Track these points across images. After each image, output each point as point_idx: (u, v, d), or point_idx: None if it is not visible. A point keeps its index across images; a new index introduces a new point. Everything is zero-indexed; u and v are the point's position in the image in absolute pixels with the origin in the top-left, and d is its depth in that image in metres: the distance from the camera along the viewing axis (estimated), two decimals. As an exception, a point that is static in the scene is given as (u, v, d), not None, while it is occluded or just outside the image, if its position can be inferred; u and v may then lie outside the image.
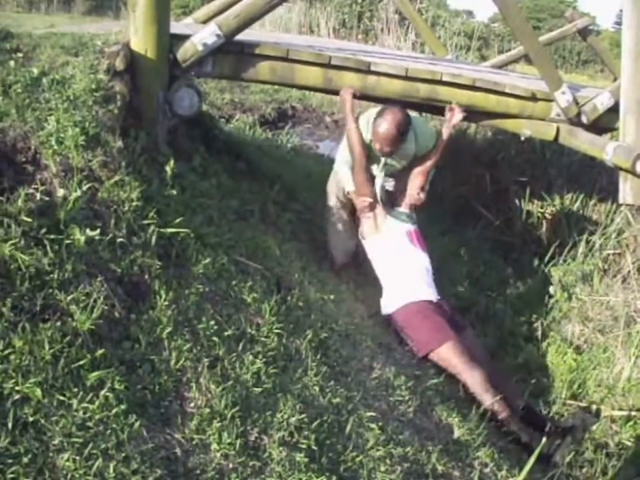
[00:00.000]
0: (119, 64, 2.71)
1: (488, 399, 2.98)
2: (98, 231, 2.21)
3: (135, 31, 2.94)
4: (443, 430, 2.68)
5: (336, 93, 3.77)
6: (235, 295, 2.57)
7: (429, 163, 3.63)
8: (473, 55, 11.55)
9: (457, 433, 2.67)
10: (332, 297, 3.02)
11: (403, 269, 3.40)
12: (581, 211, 6.08)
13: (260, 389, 2.22)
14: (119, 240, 2.28)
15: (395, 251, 3.48)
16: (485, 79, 3.93)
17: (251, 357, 2.32)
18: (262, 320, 2.54)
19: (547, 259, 5.70)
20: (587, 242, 5.86)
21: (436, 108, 4.06)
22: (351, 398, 2.46)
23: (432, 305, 3.30)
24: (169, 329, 2.20)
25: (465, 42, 11.94)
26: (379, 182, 3.63)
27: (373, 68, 3.63)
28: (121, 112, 2.65)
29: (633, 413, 3.37)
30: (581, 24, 5.40)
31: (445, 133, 3.66)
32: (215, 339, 2.30)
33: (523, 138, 4.33)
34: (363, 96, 3.84)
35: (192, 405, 2.06)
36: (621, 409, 3.43)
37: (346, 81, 3.64)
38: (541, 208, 6.12)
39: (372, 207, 3.54)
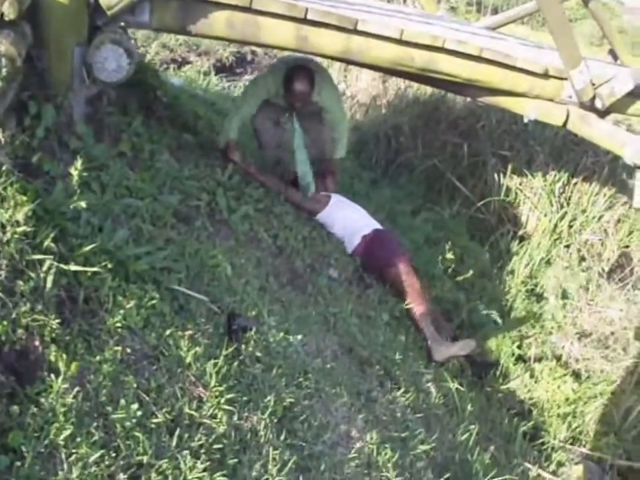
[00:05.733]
0: (8, 10, 1.85)
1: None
2: (-40, 277, 1.45)
3: (39, -39, 2.08)
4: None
5: (312, 53, 3.00)
6: (168, 353, 1.85)
7: None
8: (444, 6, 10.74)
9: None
10: (298, 335, 2.32)
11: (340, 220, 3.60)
12: (562, 190, 5.58)
13: (202, 515, 1.54)
14: (-6, 290, 1.51)
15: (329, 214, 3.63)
16: (492, 49, 3.20)
17: (189, 458, 1.62)
18: (206, 390, 1.83)
19: (528, 243, 5.27)
20: (570, 226, 5.47)
21: (431, 79, 3.32)
22: (326, 502, 1.81)
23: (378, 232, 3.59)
24: (68, 430, 1.48)
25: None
26: (298, 137, 3.66)
27: (360, 27, 2.84)
28: (8, 83, 1.82)
29: (643, 465, 2.88)
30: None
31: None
32: (137, 434, 1.58)
33: (526, 120, 3.65)
34: (344, 60, 3.07)
35: None
36: (628, 459, 2.92)
37: (325, 40, 2.86)
38: (520, 185, 5.64)
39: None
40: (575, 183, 5.41)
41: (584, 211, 5.34)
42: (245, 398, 1.89)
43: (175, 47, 7.17)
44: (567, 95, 3.45)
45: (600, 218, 5.32)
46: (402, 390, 2.58)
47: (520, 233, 5.36)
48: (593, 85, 3.39)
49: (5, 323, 1.52)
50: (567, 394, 3.25)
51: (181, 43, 7.26)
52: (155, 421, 1.65)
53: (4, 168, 1.64)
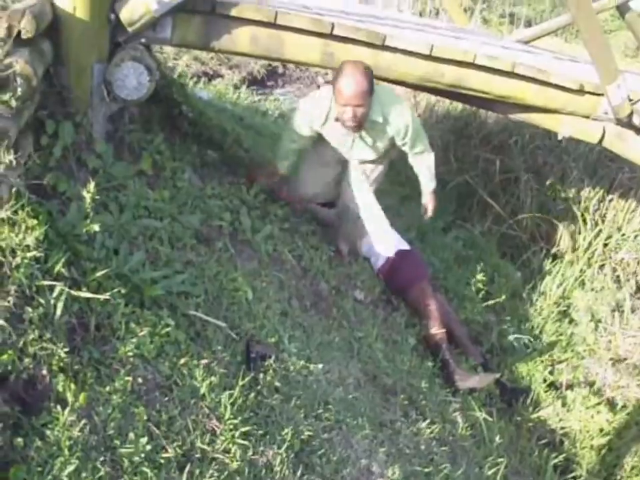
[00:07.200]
0: (26, 28, 1.82)
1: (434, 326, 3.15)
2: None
3: (60, -21, 2.05)
4: None
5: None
6: (182, 383, 1.78)
7: None
8: (476, 19, 10.61)
9: None
10: (320, 363, 2.24)
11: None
12: (597, 207, 5.42)
13: None
14: (2, 317, 1.46)
15: None
16: (525, 64, 3.09)
17: (198, 498, 1.55)
18: (220, 423, 1.75)
19: (561, 262, 5.13)
20: (605, 245, 5.32)
21: (461, 95, 3.23)
22: None
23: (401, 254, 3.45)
24: (73, 464, 1.41)
25: (468, 3, 10.97)
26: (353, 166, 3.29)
27: (388, 42, 2.77)
28: (23, 102, 1.78)
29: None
30: (620, -1, 4.49)
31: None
32: (145, 469, 1.51)
33: (560, 137, 3.52)
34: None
35: None
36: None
37: (352, 57, 2.79)
38: (554, 200, 5.50)
39: None
40: (611, 200, 5.27)
41: (619, 229, 5.19)
42: (260, 431, 1.81)
43: (206, 60, 7.21)
44: (603, 111, 3.32)
45: (636, 237, 5.15)
46: (427, 421, 2.46)
47: (553, 251, 5.21)
48: (631, 100, 3.26)
49: (11, 351, 1.46)
50: (600, 424, 3.10)
51: (212, 57, 7.30)
52: (164, 455, 1.58)
53: (14, 190, 1.60)
